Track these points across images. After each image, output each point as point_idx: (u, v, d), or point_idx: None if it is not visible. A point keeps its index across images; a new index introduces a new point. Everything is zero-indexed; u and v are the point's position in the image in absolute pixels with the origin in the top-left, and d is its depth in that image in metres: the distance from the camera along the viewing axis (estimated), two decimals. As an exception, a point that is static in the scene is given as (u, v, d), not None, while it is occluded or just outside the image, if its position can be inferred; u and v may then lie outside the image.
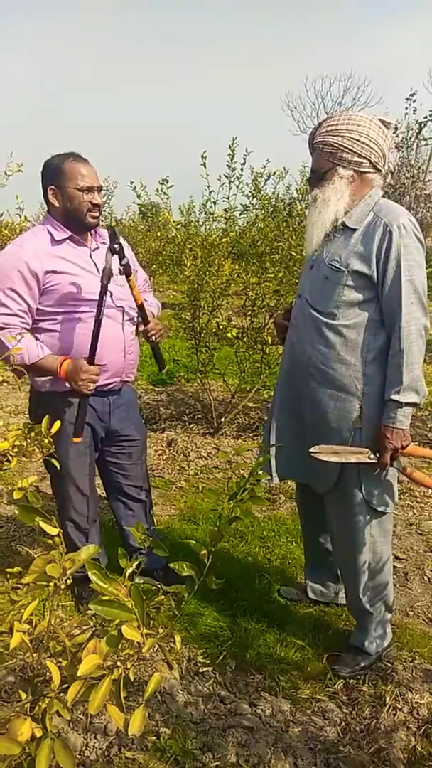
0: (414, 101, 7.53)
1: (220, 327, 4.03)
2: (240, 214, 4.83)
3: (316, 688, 1.97)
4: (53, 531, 0.90)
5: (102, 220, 2.16)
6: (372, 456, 1.80)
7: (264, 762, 1.67)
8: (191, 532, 2.93)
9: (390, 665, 2.06)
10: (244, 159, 4.72)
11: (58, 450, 2.03)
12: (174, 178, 4.51)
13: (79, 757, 1.69)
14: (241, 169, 4.54)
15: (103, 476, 2.39)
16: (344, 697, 1.94)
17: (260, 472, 1.09)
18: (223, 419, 4.34)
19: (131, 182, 5.22)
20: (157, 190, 4.51)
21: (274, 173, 5.55)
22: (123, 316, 2.15)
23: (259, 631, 2.20)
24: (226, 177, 4.41)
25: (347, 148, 1.76)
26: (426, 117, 7.24)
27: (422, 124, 7.37)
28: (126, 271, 2.05)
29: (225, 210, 4.48)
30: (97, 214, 2.07)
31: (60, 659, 0.90)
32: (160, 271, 8.91)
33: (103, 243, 2.13)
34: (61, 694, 0.83)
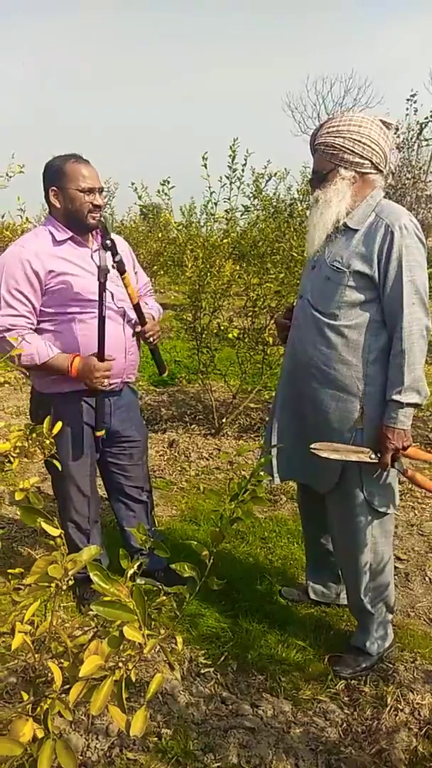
0: (415, 102, 7.52)
1: (222, 328, 4.03)
2: (241, 215, 4.84)
3: (317, 688, 1.97)
4: (55, 532, 0.90)
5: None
6: (373, 456, 1.80)
7: (265, 763, 1.67)
8: (192, 533, 2.93)
9: (391, 666, 2.06)
10: (245, 160, 4.72)
11: (59, 451, 2.04)
12: (175, 178, 4.51)
13: (80, 757, 1.69)
14: (242, 170, 4.54)
15: (104, 477, 2.39)
16: (345, 698, 1.94)
17: (261, 473, 1.09)
18: (224, 420, 4.34)
19: (132, 183, 5.23)
20: (158, 191, 4.51)
21: (275, 174, 5.56)
22: (124, 317, 2.15)
23: (261, 632, 2.20)
24: (227, 178, 4.42)
25: (349, 149, 1.76)
26: (427, 118, 7.22)
27: (423, 125, 7.36)
28: (119, 268, 2.04)
29: (226, 211, 4.48)
30: (98, 215, 2.07)
31: (62, 660, 0.90)
32: (162, 272, 8.92)
33: None
34: (63, 695, 0.83)
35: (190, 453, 3.97)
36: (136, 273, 2.33)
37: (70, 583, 0.88)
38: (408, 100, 7.51)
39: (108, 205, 12.62)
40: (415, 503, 3.30)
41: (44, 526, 0.91)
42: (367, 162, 1.78)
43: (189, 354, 4.98)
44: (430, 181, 7.83)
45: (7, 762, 0.81)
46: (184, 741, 1.72)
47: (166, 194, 4.51)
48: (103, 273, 1.93)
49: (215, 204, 4.43)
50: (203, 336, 4.20)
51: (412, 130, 7.57)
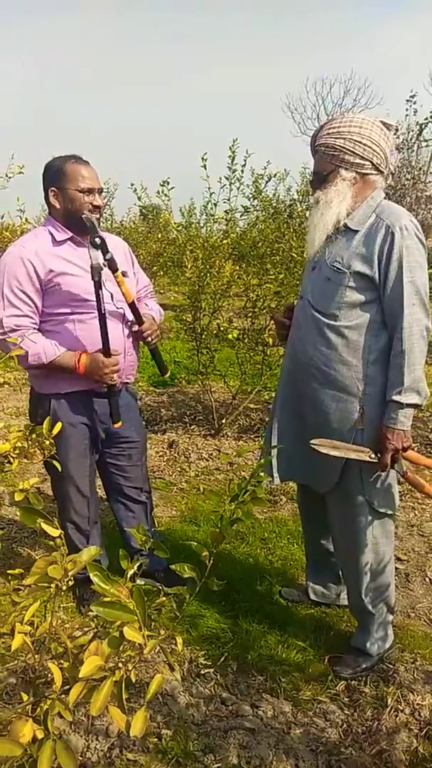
0: (414, 102, 7.54)
1: (221, 328, 4.03)
2: (241, 216, 4.84)
3: (317, 689, 1.97)
4: (55, 532, 0.90)
5: (102, 222, 2.16)
6: (372, 456, 1.80)
7: (265, 763, 1.67)
8: (192, 534, 2.92)
9: (391, 667, 2.06)
10: (245, 160, 4.73)
11: (59, 452, 2.04)
12: (174, 179, 4.51)
13: (80, 758, 1.68)
14: (242, 171, 4.55)
15: (103, 478, 2.39)
16: (346, 699, 1.94)
17: (261, 474, 1.09)
18: (224, 421, 4.34)
19: (132, 184, 5.24)
20: (158, 192, 4.51)
21: (275, 175, 5.56)
22: (123, 318, 2.15)
23: (261, 633, 2.20)
24: (227, 178, 4.42)
25: (349, 150, 1.76)
26: (426, 118, 7.23)
27: (423, 126, 7.37)
28: (111, 266, 2.02)
29: (226, 211, 4.49)
30: (98, 216, 2.07)
31: (62, 661, 0.90)
32: (161, 273, 8.93)
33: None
34: (63, 696, 0.83)
35: (189, 454, 3.97)
36: (136, 274, 2.33)
37: (70, 583, 0.88)
38: (408, 100, 7.52)
39: (107, 206, 12.61)
40: (415, 504, 3.30)
41: (44, 526, 0.91)
42: (367, 163, 1.78)
43: (189, 355, 4.98)
44: (429, 181, 7.85)
45: (7, 762, 0.81)
46: (184, 742, 1.72)
47: (165, 195, 4.51)
48: (96, 271, 1.93)
49: (215, 205, 4.43)
50: (203, 337, 4.20)
51: (412, 130, 7.59)
